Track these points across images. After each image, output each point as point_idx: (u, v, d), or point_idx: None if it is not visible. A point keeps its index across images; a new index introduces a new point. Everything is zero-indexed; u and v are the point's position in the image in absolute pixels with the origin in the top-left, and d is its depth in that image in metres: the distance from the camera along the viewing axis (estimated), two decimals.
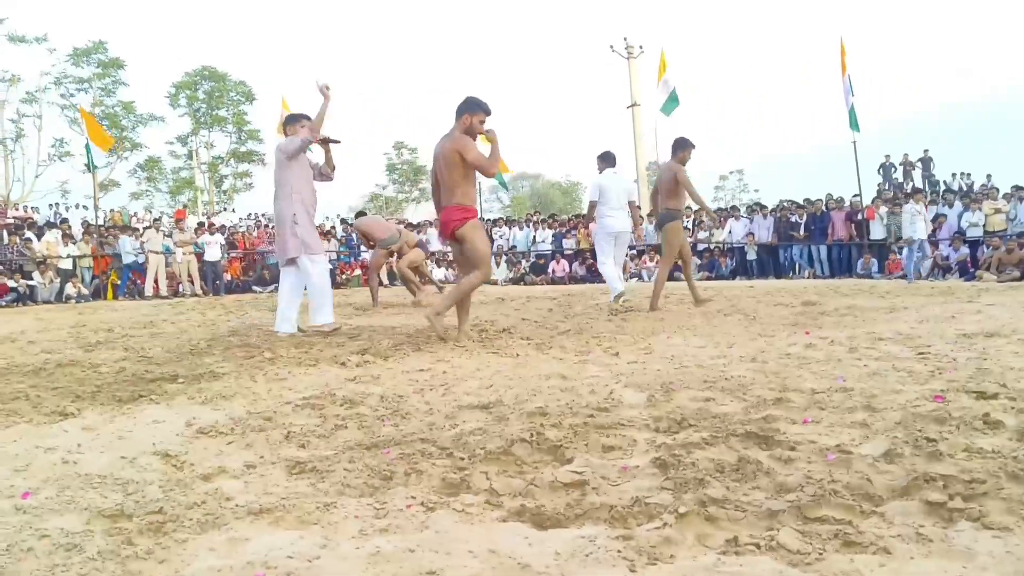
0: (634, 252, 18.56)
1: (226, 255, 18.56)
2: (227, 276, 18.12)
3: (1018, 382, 3.30)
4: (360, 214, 12.45)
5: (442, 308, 5.88)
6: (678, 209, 8.36)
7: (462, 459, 2.49)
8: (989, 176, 20.65)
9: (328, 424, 3.08)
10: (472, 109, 5.69)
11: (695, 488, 2.10)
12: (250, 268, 19.32)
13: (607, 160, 8.65)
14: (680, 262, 8.59)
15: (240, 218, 29.72)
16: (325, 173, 6.80)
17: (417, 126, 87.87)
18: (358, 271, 19.69)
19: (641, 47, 27.68)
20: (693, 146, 8.27)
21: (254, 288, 17.76)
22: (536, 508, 2.02)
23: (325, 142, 6.59)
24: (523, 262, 19.38)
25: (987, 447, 2.36)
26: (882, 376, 3.61)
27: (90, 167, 18.61)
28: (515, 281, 18.40)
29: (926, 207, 14.13)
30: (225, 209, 37.45)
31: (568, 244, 19.45)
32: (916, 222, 13.20)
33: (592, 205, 8.76)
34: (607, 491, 2.16)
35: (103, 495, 2.23)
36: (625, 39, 27.83)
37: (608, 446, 2.60)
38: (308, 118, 6.44)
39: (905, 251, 13.81)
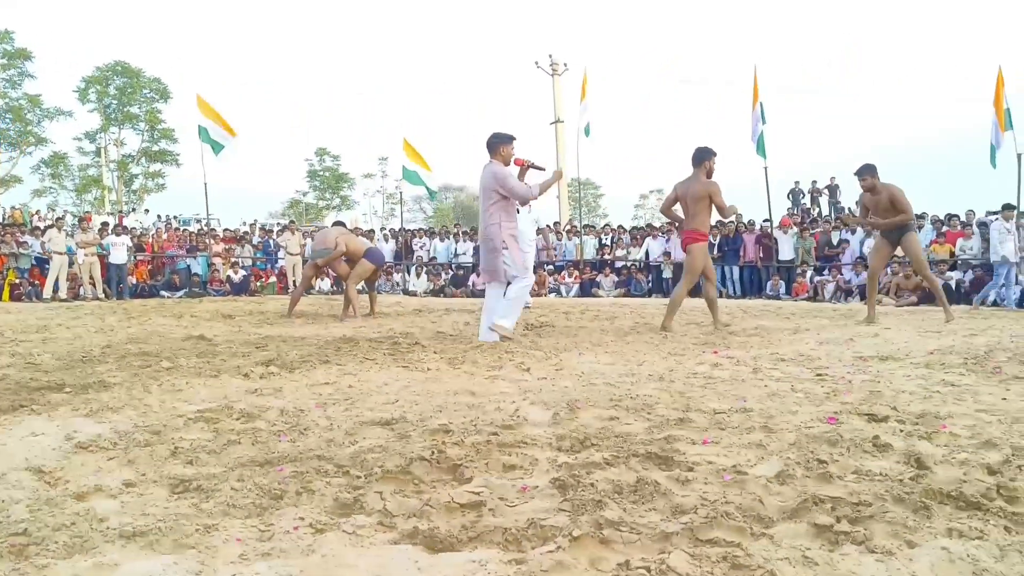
0: (551, 268, 18.72)
1: (132, 258, 17.83)
2: (132, 279, 17.39)
3: (908, 405, 3.42)
4: (338, 223, 11.60)
5: (668, 323, 7.55)
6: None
7: (358, 477, 2.42)
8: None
9: (221, 439, 2.95)
10: (506, 141, 6.67)
11: (592, 510, 2.08)
12: (158, 272, 18.60)
13: None
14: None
15: (152, 222, 28.69)
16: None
17: (339, 133, 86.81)
18: (273, 278, 19.23)
19: (566, 64, 28.06)
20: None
21: (162, 293, 17.11)
22: (430, 530, 1.97)
23: (529, 167, 6.90)
24: (443, 274, 19.28)
25: (875, 470, 2.43)
26: (781, 397, 3.70)
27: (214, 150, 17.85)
28: (435, 293, 18.28)
29: (1019, 227, 12.47)
30: (135, 210, 36.08)
31: None
32: (1006, 241, 11.80)
33: None
34: (504, 512, 2.12)
35: None
36: (550, 56, 28.17)
37: (509, 465, 2.56)
38: (514, 138, 6.77)
39: (1000, 272, 12.06)
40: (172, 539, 1.89)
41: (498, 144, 6.71)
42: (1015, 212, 12.72)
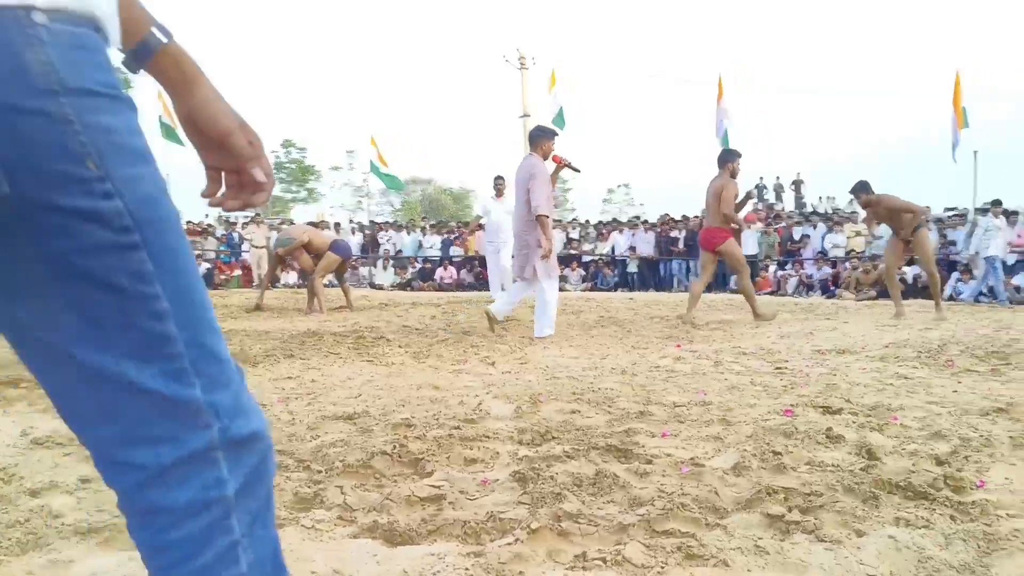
0: None
1: None
2: None
3: (862, 398, 3.50)
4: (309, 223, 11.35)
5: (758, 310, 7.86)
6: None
7: (319, 472, 2.42)
8: (851, 200, 21.99)
9: None
10: (548, 136, 6.73)
11: (551, 502, 2.10)
12: None
13: None
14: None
15: None
16: None
17: (306, 125, 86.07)
18: (238, 272, 19.01)
19: (534, 59, 27.98)
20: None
21: None
22: (389, 524, 1.98)
23: (565, 166, 6.96)
24: (410, 268, 19.21)
25: (828, 461, 2.49)
26: (740, 390, 3.76)
27: None
28: (401, 287, 18.22)
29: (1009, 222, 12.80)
30: None
31: (456, 251, 19.43)
32: (995, 237, 11.86)
33: None
34: (464, 506, 2.14)
35: None
36: (518, 50, 28.10)
37: (470, 459, 2.58)
38: (556, 134, 6.84)
39: (982, 270, 12.20)
40: (128, 536, 1.87)
41: (540, 138, 6.70)
42: (1001, 208, 12.99)
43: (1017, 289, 12.35)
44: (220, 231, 21.29)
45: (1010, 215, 13.87)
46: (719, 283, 16.55)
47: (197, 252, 18.52)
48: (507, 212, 11.61)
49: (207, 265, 18.12)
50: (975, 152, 13.89)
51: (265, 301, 10.46)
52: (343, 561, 1.75)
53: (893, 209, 8.11)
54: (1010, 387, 3.73)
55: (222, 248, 20.30)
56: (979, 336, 5.90)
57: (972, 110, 13.99)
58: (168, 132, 16.66)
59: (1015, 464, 2.45)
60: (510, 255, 11.74)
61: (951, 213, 15.29)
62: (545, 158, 6.66)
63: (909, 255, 8.88)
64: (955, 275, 13.26)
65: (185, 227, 17.39)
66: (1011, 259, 13.27)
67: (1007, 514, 2.01)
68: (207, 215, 26.77)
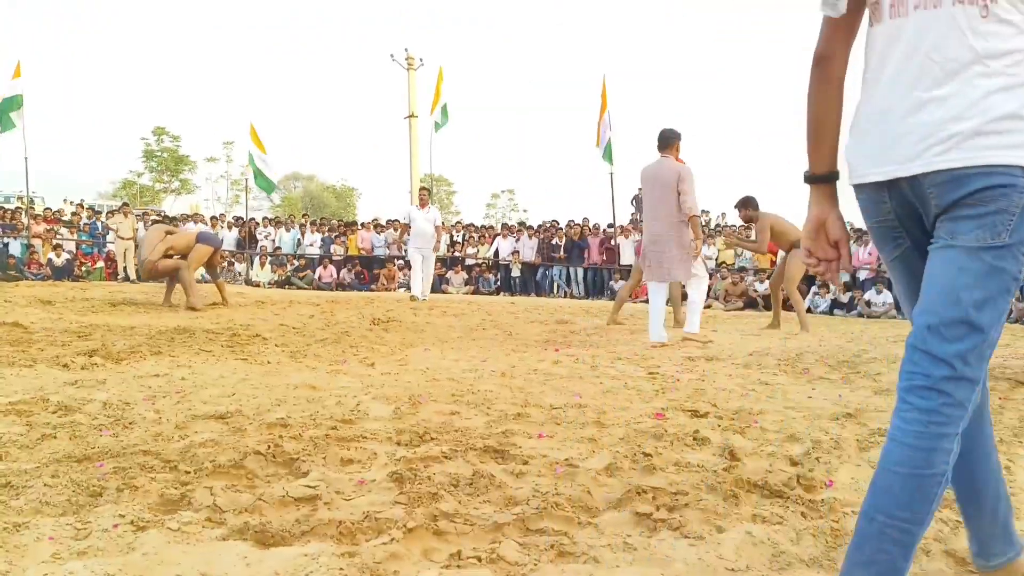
0: (401, 263, 18.59)
1: None
2: None
3: (727, 402, 3.68)
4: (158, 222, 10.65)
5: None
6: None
7: (187, 473, 2.33)
8: (723, 214, 23.07)
9: (34, 433, 2.75)
10: (680, 138, 6.74)
11: (428, 502, 2.11)
12: None
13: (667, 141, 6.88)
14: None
15: None
16: None
17: (181, 113, 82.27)
18: (100, 264, 17.94)
19: (421, 59, 27.88)
20: (680, 135, 7.02)
21: None
22: (261, 525, 1.93)
23: None
24: (288, 265, 18.70)
25: (694, 461, 2.61)
26: (614, 393, 3.88)
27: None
28: (279, 284, 17.70)
29: None
30: None
31: (337, 249, 19.07)
32: None
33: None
34: (339, 506, 2.11)
35: None
36: (406, 50, 27.91)
37: (347, 459, 2.55)
38: (679, 137, 6.75)
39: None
40: None
41: (673, 138, 6.66)
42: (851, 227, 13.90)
43: (868, 303, 13.31)
44: (83, 220, 20.06)
45: (863, 234, 14.91)
46: (598, 288, 17.00)
47: (56, 242, 17.37)
48: (428, 221, 11.83)
49: (67, 256, 17.02)
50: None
51: (129, 295, 9.94)
52: (211, 564, 1.70)
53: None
54: (858, 394, 4.02)
55: (83, 238, 19.13)
56: (833, 347, 6.32)
57: None
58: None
59: (860, 465, 2.65)
60: (432, 261, 12.40)
61: None
62: (676, 158, 6.68)
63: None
64: (813, 288, 14.14)
65: (52, 215, 16.21)
66: (862, 274, 14.29)
67: (852, 511, 2.16)
68: (67, 200, 25.16)
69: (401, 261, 18.69)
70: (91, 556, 1.72)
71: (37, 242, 17.07)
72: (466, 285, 17.77)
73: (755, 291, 14.51)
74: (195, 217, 21.53)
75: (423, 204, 12.15)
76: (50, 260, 16.61)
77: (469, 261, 18.69)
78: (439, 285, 17.70)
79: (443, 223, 12.83)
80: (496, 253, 18.53)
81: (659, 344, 6.30)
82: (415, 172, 27.90)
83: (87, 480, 2.22)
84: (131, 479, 2.24)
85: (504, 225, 21.89)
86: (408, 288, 13.27)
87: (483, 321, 8.36)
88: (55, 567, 1.65)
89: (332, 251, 19.01)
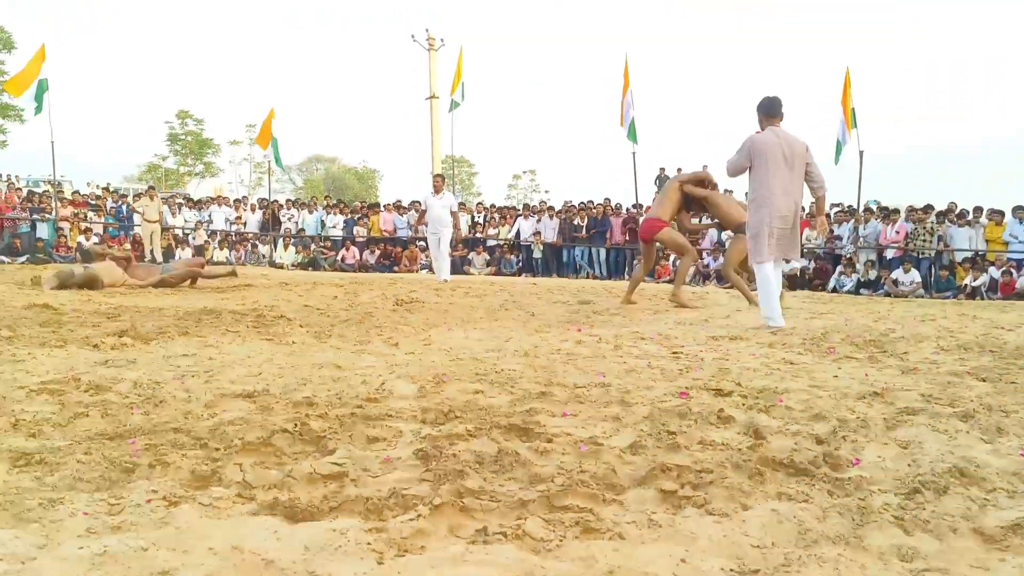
0: (423, 245, 18.61)
1: None
2: None
3: (751, 381, 3.67)
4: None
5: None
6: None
7: (217, 450, 2.37)
8: (746, 194, 22.81)
9: (67, 412, 2.80)
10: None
11: (453, 479, 2.13)
12: None
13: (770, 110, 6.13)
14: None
15: None
16: None
17: (205, 97, 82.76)
18: (127, 246, 18.14)
19: (442, 40, 27.87)
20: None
21: (1, 258, 15.82)
22: (290, 501, 1.96)
23: None
24: (312, 246, 18.82)
25: (718, 440, 2.61)
26: (638, 372, 3.88)
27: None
28: (302, 266, 17.83)
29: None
30: None
31: (359, 231, 19.15)
32: None
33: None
34: (366, 483, 2.14)
35: None
36: (427, 30, 27.89)
37: (373, 437, 2.58)
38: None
39: None
40: (12, 513, 1.80)
41: (782, 109, 6.03)
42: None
43: (895, 282, 13.15)
44: (110, 203, 20.28)
45: (891, 212, 14.72)
46: (620, 269, 16.95)
47: (85, 225, 17.60)
48: (443, 207, 11.92)
49: (95, 239, 17.23)
50: (861, 152, 14.59)
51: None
52: (242, 538, 1.73)
53: (720, 209, 8.63)
54: (885, 373, 3.99)
55: (110, 221, 19.35)
56: (859, 326, 6.26)
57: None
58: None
59: (887, 444, 2.63)
60: (449, 244, 12.48)
61: (837, 209, 16.07)
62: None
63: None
64: (838, 268, 13.99)
65: (81, 198, 16.33)
66: (889, 253, 14.11)
67: (879, 489, 2.16)
68: (91, 183, 25.41)
69: (423, 243, 18.76)
70: (125, 531, 1.76)
71: (65, 225, 17.31)
72: (488, 266, 17.78)
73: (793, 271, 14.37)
74: (220, 200, 21.71)
75: (437, 190, 12.29)
76: (79, 244, 16.83)
77: (491, 242, 18.67)
78: (460, 266, 17.75)
79: (458, 207, 12.86)
80: (518, 234, 18.49)
81: (778, 330, 5.74)
82: (436, 153, 27.91)
83: (120, 457, 2.26)
84: (162, 456, 2.28)
85: (525, 206, 21.81)
86: (431, 270, 13.41)
87: (505, 302, 8.37)
88: (90, 541, 1.68)
89: (355, 233, 19.08)
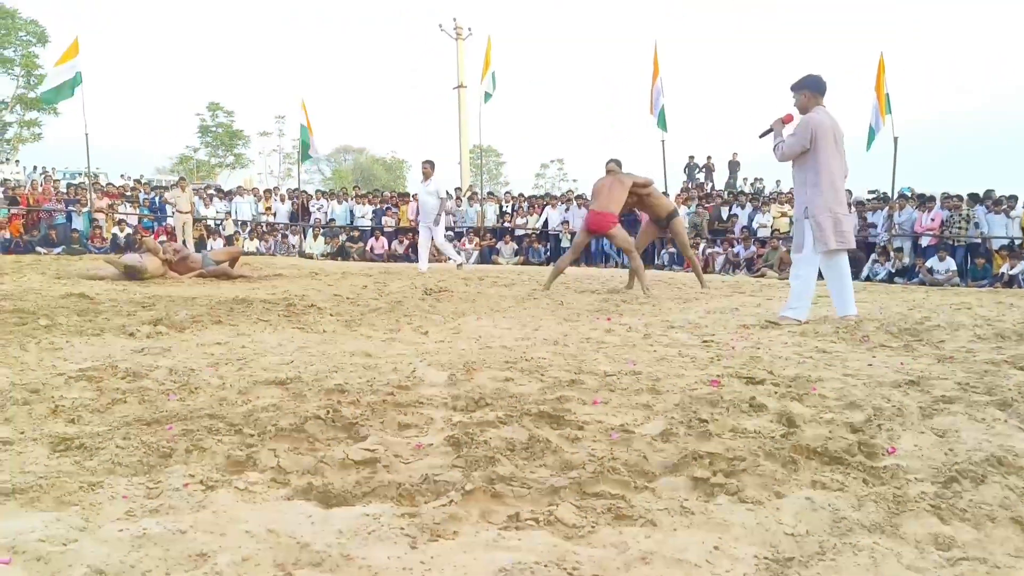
0: (451, 234, 18.67)
1: (5, 211, 16.72)
2: (5, 234, 16.33)
3: (783, 370, 3.64)
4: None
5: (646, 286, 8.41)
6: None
7: (251, 436, 2.40)
8: (778, 182, 22.60)
9: (105, 398, 2.85)
10: None
11: (485, 466, 2.14)
12: (34, 227, 17.50)
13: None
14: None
15: (28, 174, 26.83)
16: None
17: (235, 88, 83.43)
18: (163, 237, 18.40)
19: (470, 29, 27.81)
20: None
21: (38, 249, 16.14)
22: (324, 486, 1.98)
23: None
24: (341, 236, 18.94)
25: (750, 428, 2.59)
26: (668, 361, 3.86)
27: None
28: (332, 256, 17.96)
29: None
30: (7, 160, 33.74)
31: (388, 221, 19.23)
32: None
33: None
34: (398, 469, 2.15)
35: None
36: (455, 20, 27.83)
37: (404, 424, 2.60)
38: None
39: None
40: (53, 496, 1.84)
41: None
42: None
43: (930, 271, 12.94)
44: (143, 195, 20.57)
45: (927, 200, 14.46)
46: (649, 258, 16.85)
47: (120, 217, 17.86)
48: (429, 193, 11.85)
49: (129, 230, 17.50)
50: (896, 138, 14.32)
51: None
52: (278, 522, 1.75)
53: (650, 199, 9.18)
54: (920, 362, 3.93)
55: (144, 212, 19.63)
56: (894, 314, 6.17)
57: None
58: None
59: (923, 432, 2.59)
60: (441, 231, 12.39)
61: (872, 196, 15.83)
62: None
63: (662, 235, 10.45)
64: (872, 256, 13.79)
65: (116, 190, 16.57)
66: (924, 241, 13.88)
67: (915, 478, 2.13)
68: (124, 176, 25.78)
69: (451, 232, 18.79)
70: (163, 514, 1.79)
71: (100, 216, 17.59)
72: (516, 256, 17.77)
73: None
74: (242, 191, 21.94)
75: (426, 177, 12.05)
76: (114, 236, 17.11)
77: (519, 232, 18.66)
78: (488, 256, 17.77)
79: (446, 193, 12.57)
80: (545, 223, 18.46)
81: (854, 319, 5.48)
82: (464, 143, 27.90)
83: (157, 442, 2.30)
84: (199, 441, 2.32)
85: (553, 196, 21.76)
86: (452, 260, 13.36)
87: (534, 291, 8.37)
88: (129, 524, 1.71)
89: (383, 223, 19.17)
